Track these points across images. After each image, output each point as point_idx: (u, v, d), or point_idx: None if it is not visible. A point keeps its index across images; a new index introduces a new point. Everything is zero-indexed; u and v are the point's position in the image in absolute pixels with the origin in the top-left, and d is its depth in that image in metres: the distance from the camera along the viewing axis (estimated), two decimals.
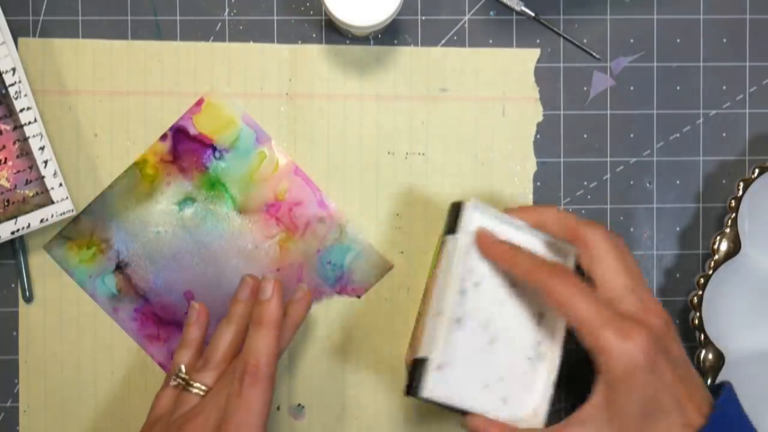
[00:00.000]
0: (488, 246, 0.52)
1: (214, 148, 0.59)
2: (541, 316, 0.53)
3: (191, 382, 0.51)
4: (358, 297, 0.60)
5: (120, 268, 0.59)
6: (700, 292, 0.57)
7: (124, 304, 0.59)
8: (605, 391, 0.47)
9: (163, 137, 0.59)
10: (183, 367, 0.53)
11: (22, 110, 0.56)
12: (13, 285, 0.59)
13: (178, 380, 0.52)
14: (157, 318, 0.59)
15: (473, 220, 0.52)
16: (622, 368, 0.46)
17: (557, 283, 0.48)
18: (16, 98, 0.56)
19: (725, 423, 0.48)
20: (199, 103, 0.59)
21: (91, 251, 0.59)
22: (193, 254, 0.59)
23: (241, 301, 0.54)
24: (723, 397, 0.49)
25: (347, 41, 0.60)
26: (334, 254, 0.59)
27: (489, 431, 0.51)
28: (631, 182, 0.61)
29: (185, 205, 0.59)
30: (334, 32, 0.60)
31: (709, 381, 0.57)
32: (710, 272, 0.57)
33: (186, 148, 0.59)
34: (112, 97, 0.59)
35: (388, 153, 0.60)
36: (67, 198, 0.56)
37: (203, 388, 0.51)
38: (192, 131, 0.59)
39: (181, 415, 0.50)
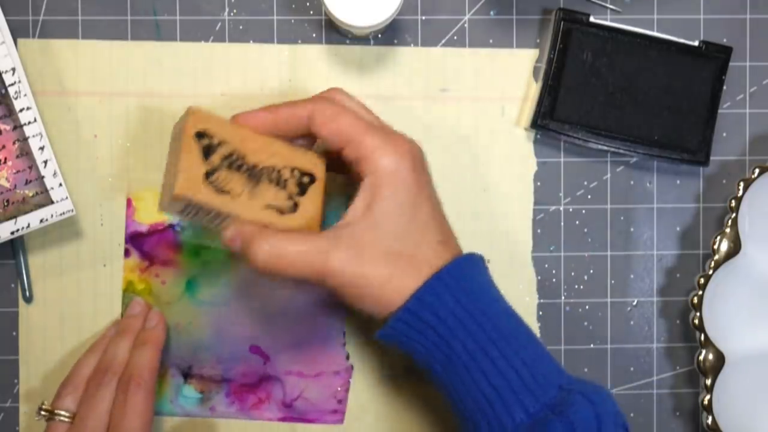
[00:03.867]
0: (246, 118, 0.50)
1: (171, 225, 0.59)
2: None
3: (54, 411, 0.54)
4: None
5: (187, 375, 0.59)
6: (700, 292, 0.57)
7: (215, 398, 0.59)
8: (369, 194, 0.48)
9: (127, 253, 0.59)
10: (45, 402, 0.55)
11: (21, 110, 0.56)
12: (13, 285, 0.59)
13: (42, 413, 0.54)
14: (248, 387, 0.59)
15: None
16: (388, 168, 0.47)
17: (319, 105, 0.49)
18: (16, 98, 0.56)
19: (473, 264, 0.50)
20: (129, 203, 0.59)
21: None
22: (230, 319, 0.59)
23: (106, 336, 0.57)
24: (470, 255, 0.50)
25: (347, 41, 0.60)
26: (330, 218, 0.59)
27: (241, 232, 0.49)
28: (631, 182, 0.61)
29: (193, 286, 0.59)
30: (334, 32, 0.60)
31: (709, 381, 0.57)
32: (710, 272, 0.57)
33: (150, 245, 0.59)
34: (111, 98, 0.59)
35: None
36: (66, 198, 0.56)
37: (66, 414, 0.54)
38: (143, 229, 0.59)
39: None
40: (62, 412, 0.53)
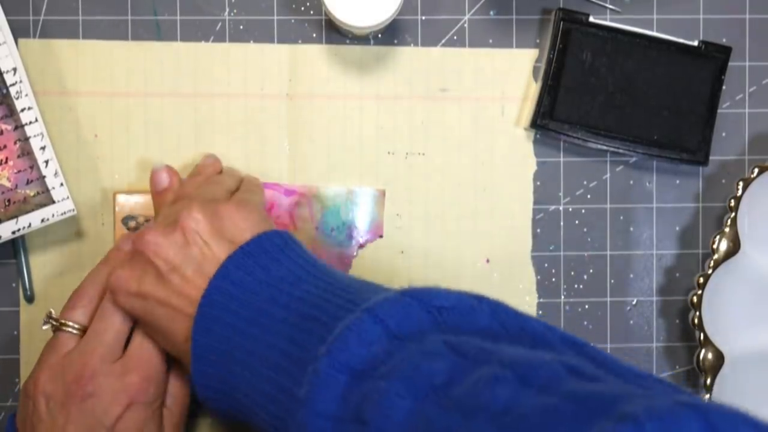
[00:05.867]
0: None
1: None
2: None
3: (63, 322, 0.52)
4: (381, 237, 0.59)
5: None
6: (700, 292, 0.57)
7: None
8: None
9: None
10: (52, 310, 0.53)
11: (23, 110, 0.56)
12: (14, 284, 0.59)
13: (51, 322, 0.52)
14: None
15: None
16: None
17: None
18: (17, 98, 0.56)
19: (221, 297, 0.46)
20: None
21: None
22: None
23: (120, 250, 0.55)
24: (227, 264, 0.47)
25: (347, 41, 0.60)
26: (330, 219, 0.59)
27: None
28: (631, 182, 0.61)
29: None
30: (334, 32, 0.60)
31: (708, 381, 0.57)
32: (710, 272, 0.57)
33: None
34: (112, 98, 0.59)
35: (388, 153, 0.60)
36: (68, 197, 0.56)
37: (76, 326, 0.52)
38: None
39: (71, 349, 0.51)
40: (71, 324, 0.52)
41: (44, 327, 0.53)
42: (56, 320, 0.52)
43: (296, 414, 0.41)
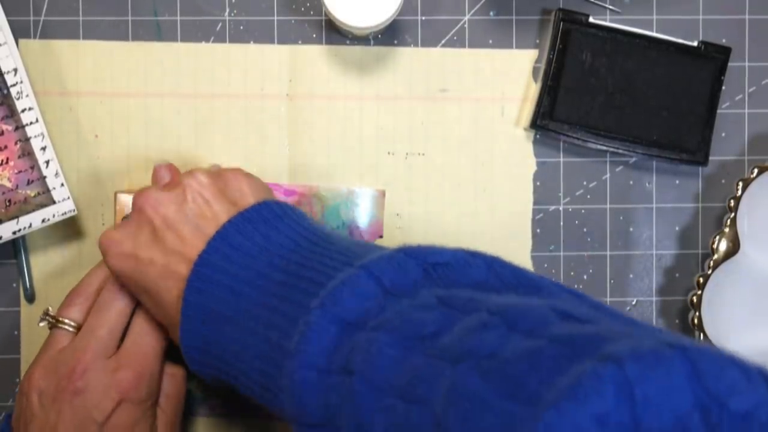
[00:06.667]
0: None
1: None
2: None
3: (59, 319, 0.52)
4: (381, 237, 0.59)
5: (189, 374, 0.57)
6: (700, 292, 0.57)
7: (215, 396, 0.59)
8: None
9: None
10: (50, 308, 0.53)
11: (23, 110, 0.56)
12: (14, 284, 0.59)
13: (47, 319, 0.53)
14: None
15: None
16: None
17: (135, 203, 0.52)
18: (18, 99, 0.56)
19: (216, 257, 0.46)
20: None
21: None
22: None
23: None
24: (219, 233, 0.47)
25: (347, 41, 0.60)
26: (330, 219, 0.59)
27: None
28: (631, 182, 0.61)
29: None
30: (334, 32, 0.60)
31: None
32: (709, 272, 0.57)
33: None
34: (112, 98, 0.59)
35: (388, 153, 0.60)
36: (68, 198, 0.56)
37: (72, 324, 0.52)
38: None
39: (66, 345, 0.51)
40: (67, 321, 0.52)
41: (41, 324, 0.53)
42: (53, 317, 0.52)
43: (284, 366, 0.41)
